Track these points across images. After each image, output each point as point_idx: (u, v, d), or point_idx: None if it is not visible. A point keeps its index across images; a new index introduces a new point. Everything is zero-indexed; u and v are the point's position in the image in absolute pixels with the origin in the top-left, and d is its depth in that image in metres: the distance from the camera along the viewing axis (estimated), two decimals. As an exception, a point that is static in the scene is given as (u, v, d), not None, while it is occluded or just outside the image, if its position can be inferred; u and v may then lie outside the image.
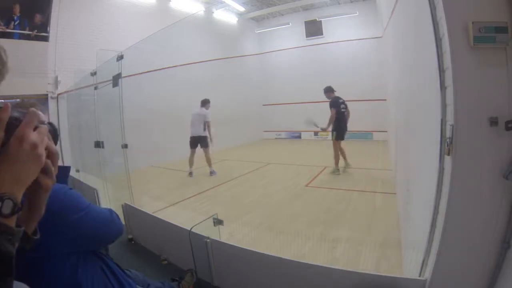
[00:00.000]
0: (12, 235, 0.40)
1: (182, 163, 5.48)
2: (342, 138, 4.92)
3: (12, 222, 0.41)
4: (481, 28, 0.93)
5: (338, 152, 4.85)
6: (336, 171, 4.85)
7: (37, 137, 0.44)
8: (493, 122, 0.95)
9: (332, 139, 4.93)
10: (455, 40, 0.97)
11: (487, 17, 0.94)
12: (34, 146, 0.43)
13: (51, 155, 0.48)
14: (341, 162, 4.92)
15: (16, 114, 0.43)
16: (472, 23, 0.93)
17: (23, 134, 0.42)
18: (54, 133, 0.56)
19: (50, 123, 0.58)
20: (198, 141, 5.19)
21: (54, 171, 0.48)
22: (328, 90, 5.09)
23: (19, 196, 0.41)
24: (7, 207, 0.39)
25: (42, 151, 0.44)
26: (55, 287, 0.81)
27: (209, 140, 5.21)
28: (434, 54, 1.10)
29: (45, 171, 0.46)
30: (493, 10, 0.94)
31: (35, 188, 0.45)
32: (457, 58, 0.97)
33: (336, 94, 5.12)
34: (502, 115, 0.94)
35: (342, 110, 4.89)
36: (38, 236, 0.49)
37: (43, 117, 0.89)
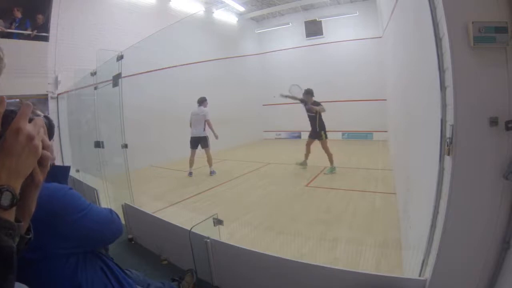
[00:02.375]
0: (12, 230, 0.40)
1: (182, 163, 5.48)
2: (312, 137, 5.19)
3: (11, 216, 0.40)
4: (481, 28, 0.93)
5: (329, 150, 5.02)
6: (333, 169, 4.92)
7: (33, 128, 0.44)
8: (493, 122, 0.94)
9: (322, 140, 5.03)
10: (455, 40, 0.97)
11: (487, 17, 0.94)
12: (30, 138, 0.43)
13: (46, 147, 0.47)
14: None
15: (11, 107, 0.44)
16: (472, 23, 0.93)
17: (19, 126, 0.42)
18: (50, 127, 0.56)
19: (46, 117, 0.58)
20: (198, 142, 5.20)
21: (48, 166, 0.48)
22: (310, 93, 5.11)
23: (17, 188, 0.41)
24: (6, 199, 0.39)
25: (38, 143, 0.44)
26: (55, 287, 0.81)
27: (209, 140, 5.21)
28: (434, 54, 1.10)
29: (41, 163, 0.46)
30: (493, 10, 0.94)
31: (26, 184, 0.44)
32: (457, 58, 0.97)
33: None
34: (502, 115, 0.94)
35: None
36: (31, 235, 0.48)
37: (40, 114, 0.89)
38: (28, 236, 0.47)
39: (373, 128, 8.64)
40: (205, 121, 5.12)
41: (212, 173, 5.18)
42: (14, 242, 0.39)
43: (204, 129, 5.16)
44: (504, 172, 0.96)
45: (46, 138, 0.48)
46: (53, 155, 0.51)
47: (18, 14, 4.80)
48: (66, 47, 5.47)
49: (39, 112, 0.89)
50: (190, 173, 5.18)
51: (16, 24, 4.82)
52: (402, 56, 2.59)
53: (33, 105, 0.88)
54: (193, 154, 5.24)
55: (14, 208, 0.41)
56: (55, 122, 0.63)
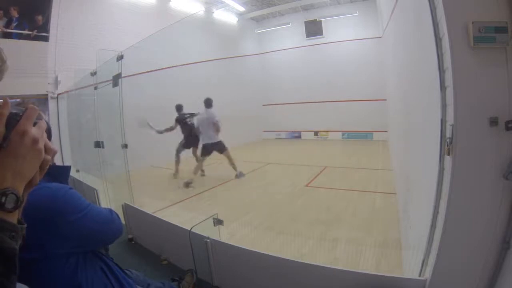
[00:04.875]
0: (15, 232, 0.40)
1: (182, 163, 5.47)
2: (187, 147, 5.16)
3: (14, 219, 0.41)
4: (481, 28, 0.93)
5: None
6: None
7: (38, 131, 0.44)
8: (493, 122, 0.94)
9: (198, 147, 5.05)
10: (455, 40, 0.97)
11: (487, 17, 0.94)
12: (35, 141, 0.43)
13: (48, 151, 0.48)
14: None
15: (14, 110, 0.44)
16: (472, 23, 0.93)
17: (25, 129, 0.42)
18: (48, 131, 0.56)
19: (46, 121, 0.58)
20: (212, 148, 4.74)
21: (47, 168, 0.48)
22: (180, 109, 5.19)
23: (21, 190, 0.41)
24: (10, 202, 0.39)
25: (42, 146, 0.45)
26: (55, 287, 0.81)
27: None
28: (434, 54, 1.10)
29: (41, 166, 0.46)
30: (493, 10, 0.94)
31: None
32: (457, 58, 0.97)
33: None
34: (502, 115, 0.94)
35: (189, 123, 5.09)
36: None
37: (43, 116, 0.89)
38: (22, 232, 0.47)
39: (373, 128, 8.65)
40: (214, 123, 4.69)
41: (240, 175, 4.81)
42: (16, 244, 0.40)
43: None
44: (504, 172, 0.96)
45: (48, 141, 0.49)
46: (53, 155, 0.51)
47: (15, 13, 4.79)
48: (66, 47, 5.47)
49: (42, 116, 0.89)
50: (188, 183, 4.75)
51: (15, 24, 4.82)
52: (402, 56, 2.59)
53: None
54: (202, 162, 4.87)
55: (17, 211, 0.41)
56: (55, 122, 0.63)
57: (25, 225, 0.43)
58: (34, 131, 0.44)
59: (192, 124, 5.09)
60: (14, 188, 0.40)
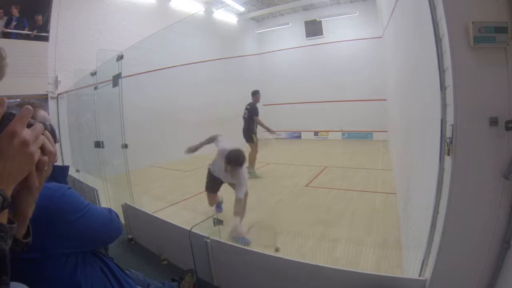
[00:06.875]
0: (4, 232, 0.39)
1: (182, 163, 5.48)
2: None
3: (3, 219, 0.40)
4: (481, 28, 0.93)
5: None
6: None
7: (30, 134, 0.42)
8: (493, 122, 0.94)
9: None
10: (455, 40, 0.97)
11: (487, 17, 0.94)
12: (25, 144, 0.41)
13: (48, 154, 0.46)
14: None
15: (13, 111, 0.43)
16: (472, 23, 0.93)
17: (14, 130, 0.41)
18: (53, 133, 0.56)
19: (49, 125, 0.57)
20: None
21: (47, 171, 0.47)
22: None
23: (8, 191, 0.40)
24: None
25: (34, 149, 0.43)
26: (54, 287, 0.81)
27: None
28: (434, 54, 1.10)
29: (38, 167, 0.44)
30: (493, 10, 0.94)
31: (20, 187, 0.43)
32: (457, 58, 0.97)
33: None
34: (502, 115, 0.94)
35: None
36: (29, 240, 0.47)
37: (48, 118, 0.89)
38: (26, 240, 0.46)
39: (373, 128, 8.64)
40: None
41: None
42: (6, 244, 0.39)
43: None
44: (504, 172, 0.96)
45: (49, 144, 0.47)
46: (55, 159, 0.50)
47: (16, 13, 4.79)
48: (66, 47, 5.47)
49: (43, 112, 0.88)
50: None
51: (14, 23, 4.82)
52: (402, 56, 2.59)
53: (40, 106, 0.87)
54: None
55: (6, 211, 0.40)
56: (55, 122, 0.63)
57: (15, 224, 0.42)
58: (26, 133, 0.42)
59: (245, 118, 5.26)
60: (0, 189, 0.39)
